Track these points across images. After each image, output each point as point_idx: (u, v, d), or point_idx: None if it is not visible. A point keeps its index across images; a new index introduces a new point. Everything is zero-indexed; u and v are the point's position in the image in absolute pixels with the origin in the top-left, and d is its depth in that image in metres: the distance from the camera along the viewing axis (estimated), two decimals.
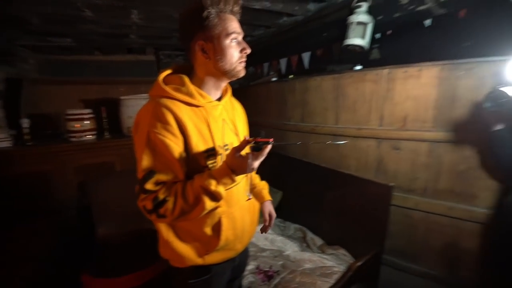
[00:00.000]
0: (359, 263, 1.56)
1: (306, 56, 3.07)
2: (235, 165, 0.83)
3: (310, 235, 2.09)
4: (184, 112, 0.88)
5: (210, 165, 0.92)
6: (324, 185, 1.99)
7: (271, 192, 2.43)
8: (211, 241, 0.97)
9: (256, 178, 1.29)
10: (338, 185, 1.89)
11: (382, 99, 1.74)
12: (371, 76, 1.77)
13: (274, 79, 2.69)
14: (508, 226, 1.13)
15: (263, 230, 1.24)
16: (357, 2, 1.91)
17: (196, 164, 0.90)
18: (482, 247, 1.49)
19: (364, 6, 1.89)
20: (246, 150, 0.86)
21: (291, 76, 4.60)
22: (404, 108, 1.66)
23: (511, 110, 1.01)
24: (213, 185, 0.84)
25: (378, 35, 2.17)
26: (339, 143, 1.87)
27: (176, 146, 0.86)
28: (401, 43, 3.28)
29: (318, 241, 2.03)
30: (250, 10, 2.43)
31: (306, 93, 2.24)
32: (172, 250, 0.98)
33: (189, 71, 0.97)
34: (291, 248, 1.98)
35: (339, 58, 3.26)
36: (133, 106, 2.68)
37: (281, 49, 3.22)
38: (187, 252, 0.97)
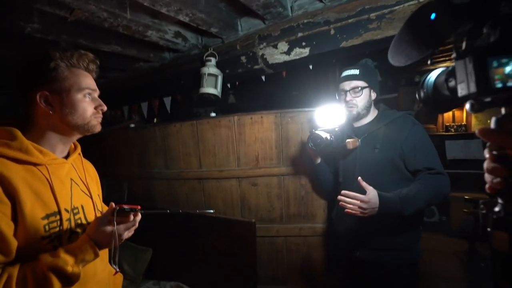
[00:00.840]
0: None
1: (167, 101, 3.09)
2: (101, 237, 0.73)
3: None
4: (13, 172, 0.71)
5: (52, 233, 0.75)
6: (196, 232, 1.93)
7: (139, 252, 2.13)
8: None
9: None
10: (209, 229, 1.88)
11: (236, 142, 1.94)
12: (225, 122, 1.96)
13: (132, 125, 2.49)
14: (335, 235, 1.45)
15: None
16: (207, 56, 2.14)
17: (32, 235, 0.71)
18: (324, 254, 1.84)
19: (213, 60, 2.14)
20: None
21: (155, 120, 4.45)
22: (255, 149, 1.92)
23: (325, 148, 1.33)
24: (69, 264, 0.68)
25: (229, 85, 2.49)
26: (207, 212, 1.94)
27: (2, 215, 0.68)
28: (250, 92, 3.92)
29: None
30: (99, 52, 2.23)
31: (167, 139, 2.20)
32: None
33: (22, 124, 0.81)
34: None
35: (202, 101, 3.46)
36: None
37: (141, 93, 3.10)
38: None
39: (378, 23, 1.50)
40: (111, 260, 0.82)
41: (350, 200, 1.11)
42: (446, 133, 4.26)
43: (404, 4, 1.42)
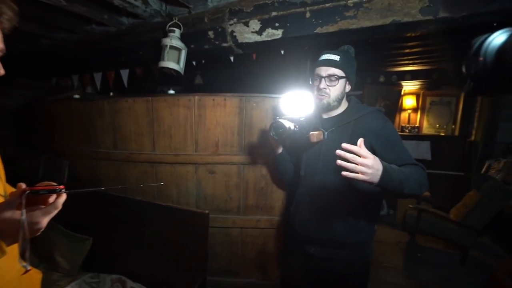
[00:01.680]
0: None
1: (125, 73, 2.75)
2: (7, 228, 0.57)
3: (130, 284, 1.75)
4: None
5: None
6: (143, 221, 1.75)
7: (76, 241, 1.89)
8: None
9: None
10: (158, 219, 1.71)
11: (196, 124, 1.77)
12: (184, 102, 1.77)
13: (76, 96, 2.16)
14: (291, 230, 1.38)
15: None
16: (171, 26, 1.90)
17: None
18: (280, 248, 1.80)
19: (177, 32, 1.91)
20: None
21: (111, 94, 4.03)
22: (215, 134, 1.77)
23: (287, 138, 1.22)
24: None
25: (194, 63, 2.27)
26: (155, 185, 1.75)
27: None
28: (218, 73, 3.71)
29: None
30: (39, 4, 1.85)
31: (117, 116, 1.94)
32: None
33: None
34: None
35: (164, 78, 3.18)
36: None
37: (94, 61, 2.72)
38: None
39: (355, 11, 1.42)
40: (21, 255, 0.65)
41: (352, 156, 0.85)
42: (401, 133, 4.52)
43: None
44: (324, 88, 1.17)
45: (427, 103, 4.47)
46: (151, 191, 1.94)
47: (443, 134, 4.36)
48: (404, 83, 4.47)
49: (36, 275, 0.89)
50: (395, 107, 4.57)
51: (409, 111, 4.57)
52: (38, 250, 1.90)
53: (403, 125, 4.60)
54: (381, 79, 4.51)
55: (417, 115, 4.56)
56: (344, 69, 1.17)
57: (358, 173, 0.86)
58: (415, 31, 1.49)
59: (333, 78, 1.16)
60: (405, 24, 1.38)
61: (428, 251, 3.11)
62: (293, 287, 1.46)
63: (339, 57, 1.17)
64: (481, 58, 0.35)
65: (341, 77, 1.17)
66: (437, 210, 3.19)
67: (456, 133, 4.27)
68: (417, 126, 4.52)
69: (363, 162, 0.85)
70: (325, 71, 1.17)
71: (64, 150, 2.31)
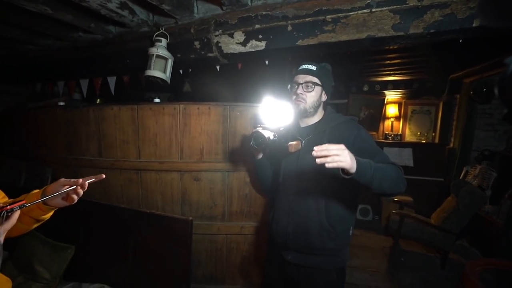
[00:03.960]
0: None
1: (112, 80, 2.76)
2: None
3: None
4: None
5: None
6: (126, 228, 1.74)
7: (57, 250, 1.85)
8: None
9: None
10: (142, 226, 1.72)
11: (181, 132, 1.80)
12: (169, 110, 1.80)
13: (61, 103, 2.15)
14: (271, 236, 1.41)
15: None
16: (157, 36, 1.94)
17: None
18: (264, 254, 1.83)
19: (164, 41, 1.95)
20: None
21: (98, 101, 4.00)
22: (200, 142, 1.80)
23: (267, 147, 1.27)
24: None
25: (181, 71, 2.31)
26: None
27: None
28: (206, 81, 3.76)
29: None
30: (24, 12, 1.86)
31: (102, 124, 1.94)
32: None
33: None
34: None
35: (152, 86, 3.20)
36: None
37: (80, 68, 2.72)
38: None
39: (333, 26, 1.51)
40: None
41: (325, 147, 0.90)
42: (385, 141, 4.66)
43: (358, 12, 1.45)
44: (301, 93, 1.24)
45: (409, 111, 4.64)
46: (136, 199, 1.93)
47: (424, 141, 4.52)
48: (386, 92, 4.63)
49: (6, 282, 0.88)
50: (379, 116, 4.72)
51: (392, 119, 4.73)
52: (16, 260, 1.85)
53: (387, 132, 4.75)
54: (365, 88, 4.67)
55: (399, 123, 4.72)
56: (320, 78, 1.25)
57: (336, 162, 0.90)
58: (388, 45, 1.59)
59: (309, 85, 1.23)
60: (379, 38, 1.47)
61: (411, 255, 3.19)
62: None
63: (316, 67, 1.25)
64: None
65: (317, 85, 1.24)
66: (418, 215, 3.29)
67: (436, 140, 4.44)
68: (400, 134, 4.67)
69: (335, 148, 0.90)
70: (302, 78, 1.25)
71: (47, 157, 2.28)
